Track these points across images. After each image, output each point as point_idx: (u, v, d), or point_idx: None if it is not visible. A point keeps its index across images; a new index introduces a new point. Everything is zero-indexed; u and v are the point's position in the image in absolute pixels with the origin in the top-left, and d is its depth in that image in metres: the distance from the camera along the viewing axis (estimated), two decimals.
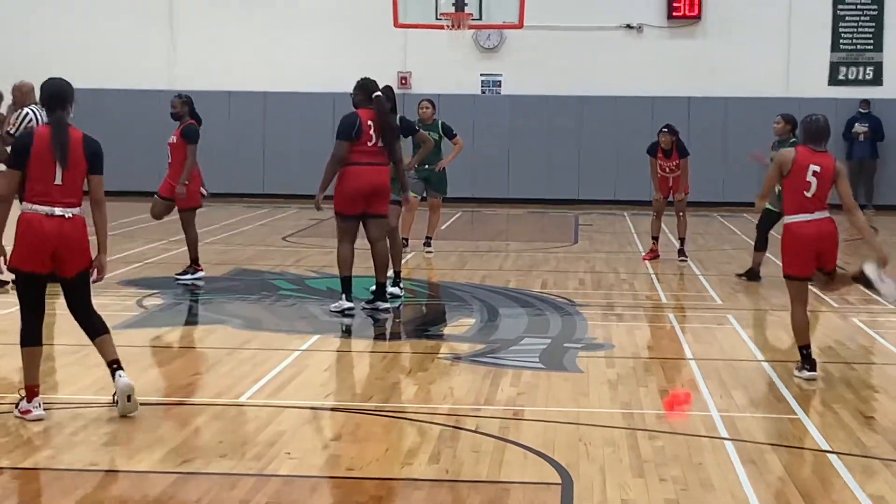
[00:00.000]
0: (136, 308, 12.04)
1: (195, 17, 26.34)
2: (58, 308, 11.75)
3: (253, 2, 26.34)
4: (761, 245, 14.35)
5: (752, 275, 14.26)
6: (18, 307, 7.76)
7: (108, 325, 10.99)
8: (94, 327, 7.81)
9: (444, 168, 16.46)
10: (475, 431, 7.47)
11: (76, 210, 7.57)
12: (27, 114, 12.51)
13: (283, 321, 11.39)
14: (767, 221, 14.20)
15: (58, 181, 7.50)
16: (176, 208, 13.84)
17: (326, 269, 14.29)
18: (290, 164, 24.75)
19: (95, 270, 7.75)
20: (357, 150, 11.44)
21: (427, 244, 16.66)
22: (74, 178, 7.55)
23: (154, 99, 25.58)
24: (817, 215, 8.95)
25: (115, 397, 7.67)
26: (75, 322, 11.26)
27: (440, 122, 16.57)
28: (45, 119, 12.76)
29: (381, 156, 11.53)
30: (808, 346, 9.02)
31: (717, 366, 9.54)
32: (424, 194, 16.52)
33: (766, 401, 8.38)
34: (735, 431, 7.53)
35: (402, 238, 16.03)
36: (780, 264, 9.18)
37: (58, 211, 7.50)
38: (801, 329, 9.01)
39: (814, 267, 8.97)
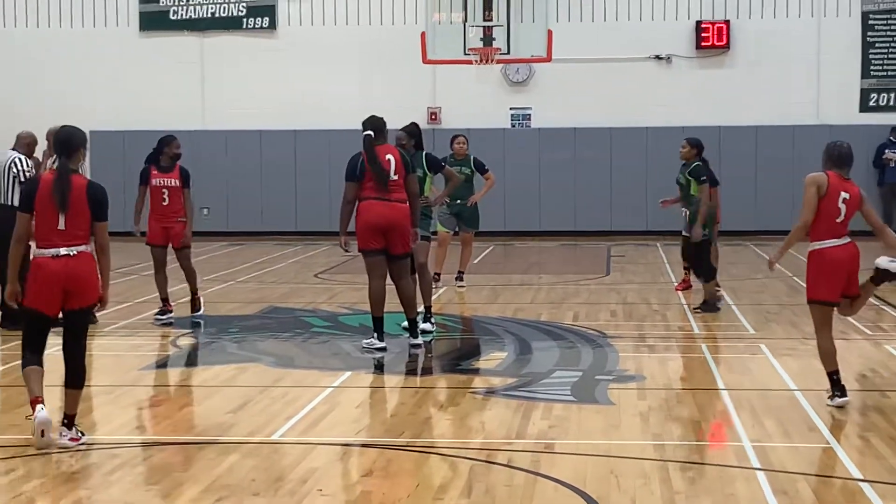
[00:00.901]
0: (170, 347, 12.15)
1: (225, 58, 26.58)
2: (93, 349, 11.94)
3: (281, 41, 26.56)
4: (708, 274, 14.32)
5: (710, 306, 14.22)
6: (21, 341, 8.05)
7: (142, 364, 11.20)
8: (74, 375, 7.95)
9: (476, 203, 16.57)
10: (507, 465, 7.49)
11: (81, 247, 7.82)
12: None
13: (316, 358, 11.45)
14: (698, 249, 14.26)
15: (60, 226, 7.79)
16: (171, 249, 13.57)
17: (359, 306, 14.34)
18: (322, 202, 24.83)
19: (103, 304, 8.04)
20: (368, 186, 11.52)
21: (459, 279, 16.71)
22: (77, 223, 7.81)
23: (186, 139, 25.75)
24: (845, 240, 8.99)
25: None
26: (110, 362, 11.45)
27: (472, 157, 16.72)
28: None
29: (394, 191, 11.56)
30: (836, 372, 9.01)
31: (749, 396, 9.53)
32: (457, 229, 16.63)
33: (798, 430, 8.35)
34: (767, 461, 7.52)
35: (434, 273, 16.12)
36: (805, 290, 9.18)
37: (63, 251, 7.79)
38: (829, 355, 9.00)
39: (842, 291, 8.97)
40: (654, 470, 7.36)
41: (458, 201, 16.34)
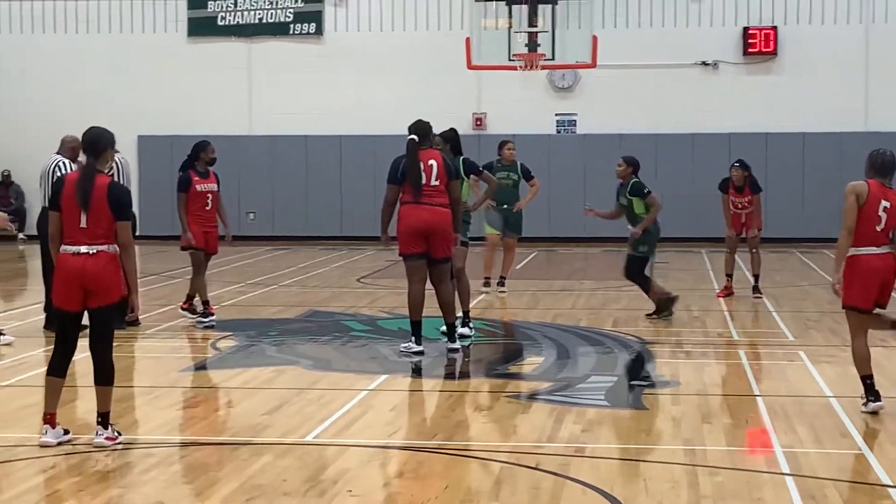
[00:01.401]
0: (210, 350, 12.27)
1: (272, 64, 26.80)
2: (135, 351, 12.11)
3: (327, 47, 26.74)
4: (648, 286, 14.14)
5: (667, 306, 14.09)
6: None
7: (182, 366, 11.34)
8: (100, 372, 8.09)
9: (521, 209, 16.70)
10: (536, 468, 7.52)
11: (102, 247, 7.96)
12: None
13: (353, 361, 11.53)
14: (637, 267, 14.08)
15: (83, 224, 7.96)
16: (204, 252, 13.63)
17: (398, 310, 14.40)
18: (367, 207, 24.94)
19: (132, 308, 8.18)
20: (409, 190, 11.59)
21: (501, 284, 16.76)
22: (98, 221, 7.95)
23: (233, 144, 26.05)
24: (884, 249, 8.96)
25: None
26: (150, 364, 11.61)
27: (519, 163, 16.83)
28: (123, 166, 13.18)
29: (436, 196, 11.63)
30: (870, 377, 9.00)
31: (783, 402, 9.50)
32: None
33: (830, 436, 8.33)
34: (797, 467, 7.51)
35: (485, 277, 16.24)
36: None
37: (83, 249, 7.96)
38: (863, 359, 8.99)
39: (875, 299, 8.95)
40: (682, 474, 7.37)
41: (505, 206, 16.48)
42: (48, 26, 27.48)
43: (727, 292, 16.30)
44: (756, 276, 16.30)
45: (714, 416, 9.04)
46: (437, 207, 11.65)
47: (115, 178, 12.67)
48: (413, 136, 11.68)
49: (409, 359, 11.51)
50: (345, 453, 7.92)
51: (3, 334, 12.25)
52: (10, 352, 11.80)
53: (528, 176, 16.81)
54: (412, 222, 11.61)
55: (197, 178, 13.51)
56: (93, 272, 7.92)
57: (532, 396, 9.84)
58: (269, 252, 23.97)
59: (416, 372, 11.12)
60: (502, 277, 16.86)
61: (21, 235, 26.43)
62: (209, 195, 13.55)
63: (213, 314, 13.60)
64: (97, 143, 8.12)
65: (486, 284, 16.50)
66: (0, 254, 23.94)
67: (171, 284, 17.31)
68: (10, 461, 7.71)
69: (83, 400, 9.44)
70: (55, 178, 12.47)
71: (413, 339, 11.71)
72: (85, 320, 8.14)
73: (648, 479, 7.24)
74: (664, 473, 7.39)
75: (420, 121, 11.91)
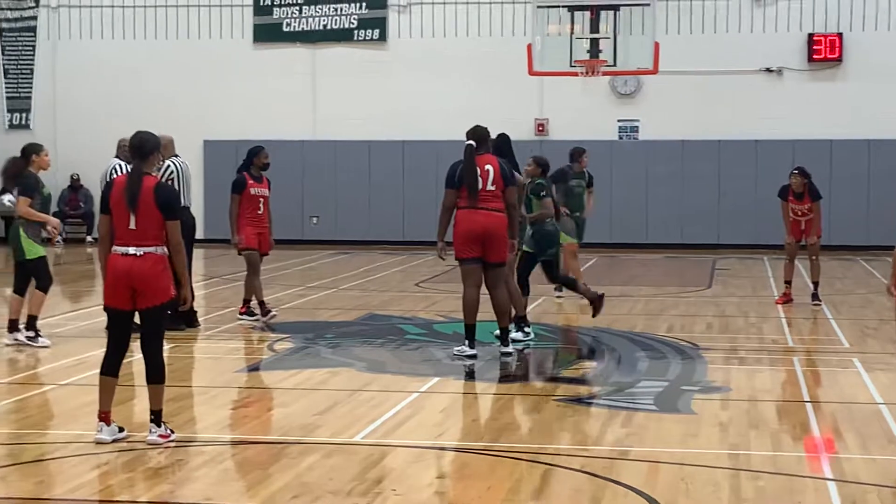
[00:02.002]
0: (266, 351, 12.45)
1: (336, 69, 27.01)
2: (195, 352, 12.31)
3: (391, 53, 26.92)
4: (524, 290, 13.94)
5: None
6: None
7: (239, 367, 11.52)
8: (152, 370, 8.28)
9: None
10: (579, 470, 7.59)
11: (150, 249, 8.14)
12: (168, 166, 13.08)
13: (406, 364, 11.65)
14: (527, 265, 13.81)
15: (132, 226, 8.17)
16: (259, 255, 14.02)
17: (455, 314, 14.49)
18: (429, 212, 25.05)
19: (183, 301, 8.47)
20: (465, 195, 11.72)
21: (558, 289, 16.81)
22: (147, 222, 8.15)
23: (297, 149, 26.35)
24: None
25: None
26: (208, 364, 11.80)
27: (587, 171, 17.15)
28: (183, 170, 13.40)
29: (492, 201, 11.73)
30: None
31: (833, 408, 9.50)
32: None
33: (877, 443, 8.32)
34: (840, 472, 7.52)
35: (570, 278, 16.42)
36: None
37: (131, 250, 8.15)
38: None
39: None
40: (725, 478, 7.40)
41: (577, 213, 16.70)
42: (117, 32, 27.91)
43: (786, 299, 16.24)
44: (815, 284, 16.23)
45: (762, 421, 9.05)
46: (492, 212, 11.76)
47: (175, 183, 12.96)
48: (471, 142, 11.81)
49: (461, 362, 11.61)
50: (392, 453, 8.04)
51: (41, 336, 12.46)
52: (71, 351, 12.05)
53: (590, 183, 17.16)
54: (468, 226, 11.73)
55: (251, 182, 13.88)
56: (140, 273, 8.11)
57: (582, 400, 9.91)
58: (332, 256, 24.19)
59: (469, 375, 11.20)
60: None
61: (89, 238, 26.91)
62: (261, 199, 13.96)
63: (272, 312, 13.92)
64: (143, 147, 8.34)
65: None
66: (69, 256, 24.39)
67: (233, 287, 17.55)
68: (65, 457, 7.92)
69: (141, 399, 9.60)
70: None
71: (466, 342, 11.81)
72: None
73: (690, 483, 7.28)
74: (707, 477, 7.43)
75: (478, 126, 12.05)
